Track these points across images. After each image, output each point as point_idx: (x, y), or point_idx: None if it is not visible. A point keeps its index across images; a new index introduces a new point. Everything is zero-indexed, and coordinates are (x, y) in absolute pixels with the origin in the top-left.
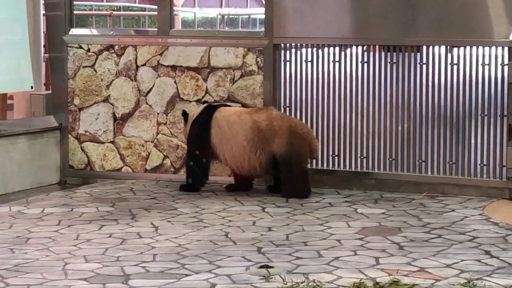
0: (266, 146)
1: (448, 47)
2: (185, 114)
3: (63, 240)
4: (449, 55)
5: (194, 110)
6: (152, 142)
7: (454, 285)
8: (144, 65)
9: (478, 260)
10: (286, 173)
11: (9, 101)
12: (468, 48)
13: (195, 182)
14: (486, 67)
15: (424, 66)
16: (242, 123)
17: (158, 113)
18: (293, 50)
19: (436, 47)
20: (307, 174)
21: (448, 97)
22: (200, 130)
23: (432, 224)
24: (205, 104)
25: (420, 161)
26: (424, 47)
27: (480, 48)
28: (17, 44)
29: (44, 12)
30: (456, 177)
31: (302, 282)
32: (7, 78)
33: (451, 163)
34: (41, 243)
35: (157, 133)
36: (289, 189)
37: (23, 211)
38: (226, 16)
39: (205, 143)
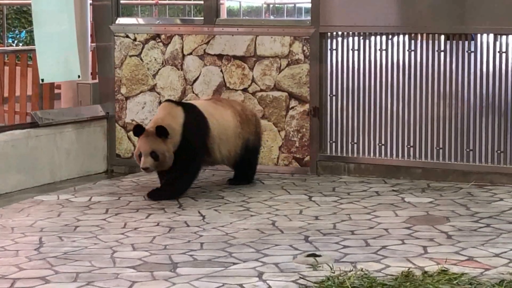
0: (244, 133)
1: (496, 35)
2: (140, 129)
3: (111, 228)
4: (497, 43)
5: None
6: None
7: (503, 274)
8: (190, 54)
9: None
10: (253, 160)
11: (56, 91)
12: None
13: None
14: None
15: (472, 55)
16: (225, 110)
17: None
18: (340, 39)
19: (484, 35)
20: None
21: (496, 86)
22: (200, 127)
23: (480, 213)
24: (166, 104)
25: (468, 150)
26: (472, 35)
27: None
28: (65, 34)
29: (91, 1)
30: (505, 166)
31: (350, 271)
32: (55, 68)
33: (499, 152)
34: (89, 231)
35: None
36: (250, 176)
37: (71, 199)
38: (271, 5)
39: (207, 139)
